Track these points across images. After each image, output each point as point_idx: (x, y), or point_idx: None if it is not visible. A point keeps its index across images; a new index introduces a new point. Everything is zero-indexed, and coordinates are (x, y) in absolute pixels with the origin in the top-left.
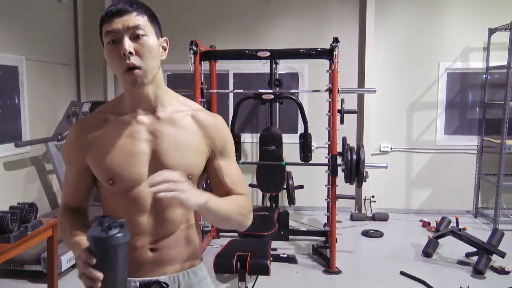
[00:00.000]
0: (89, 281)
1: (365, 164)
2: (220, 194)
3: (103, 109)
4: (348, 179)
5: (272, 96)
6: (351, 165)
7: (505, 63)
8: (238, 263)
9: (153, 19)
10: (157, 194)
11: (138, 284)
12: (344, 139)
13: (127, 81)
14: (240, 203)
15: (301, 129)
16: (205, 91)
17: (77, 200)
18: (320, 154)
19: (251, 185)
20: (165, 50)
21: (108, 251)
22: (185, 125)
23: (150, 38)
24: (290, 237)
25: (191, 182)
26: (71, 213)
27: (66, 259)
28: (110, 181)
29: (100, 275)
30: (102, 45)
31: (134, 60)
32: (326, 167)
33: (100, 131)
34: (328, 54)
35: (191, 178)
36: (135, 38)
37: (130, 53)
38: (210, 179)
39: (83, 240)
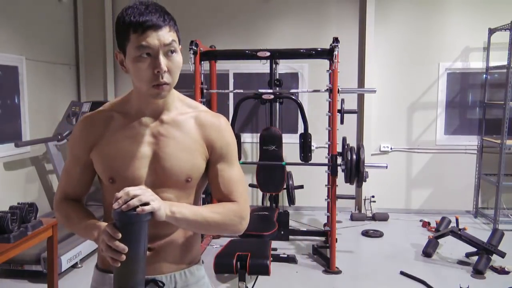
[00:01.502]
0: (114, 254)
1: (365, 164)
2: (216, 197)
3: (110, 107)
4: (348, 179)
5: (272, 96)
6: (351, 165)
7: (505, 63)
8: (238, 263)
9: (178, 30)
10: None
11: None
12: (344, 139)
13: (151, 94)
14: (225, 212)
15: (301, 129)
16: (205, 91)
17: (77, 192)
18: (320, 154)
19: (251, 185)
20: None
21: (133, 226)
22: (187, 127)
23: (179, 53)
24: (290, 237)
25: (191, 185)
26: (72, 202)
27: (66, 259)
28: (111, 180)
29: (125, 247)
30: (119, 47)
31: (166, 78)
32: (326, 167)
33: (105, 129)
34: (328, 54)
35: (190, 181)
36: (168, 54)
37: (165, 71)
38: (208, 181)
39: (99, 222)
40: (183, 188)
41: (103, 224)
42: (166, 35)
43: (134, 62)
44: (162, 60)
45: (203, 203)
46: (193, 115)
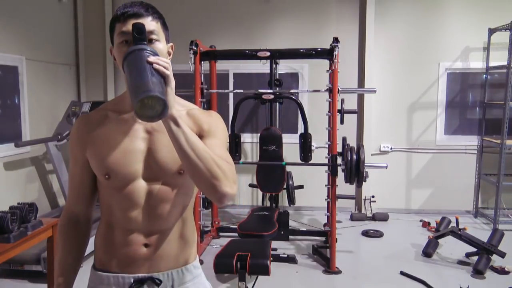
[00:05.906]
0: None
1: (365, 164)
2: None
3: (106, 106)
4: (348, 179)
5: (272, 96)
6: (351, 165)
7: (505, 63)
8: (238, 263)
9: (165, 25)
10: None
11: (132, 280)
12: (344, 139)
13: None
14: (218, 161)
15: (301, 129)
16: (205, 91)
17: (81, 202)
18: (320, 154)
19: (251, 185)
20: (169, 55)
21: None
22: None
23: (161, 43)
24: (290, 237)
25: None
26: (70, 233)
27: None
28: (106, 176)
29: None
30: (111, 43)
31: None
32: (326, 167)
33: (101, 127)
34: (328, 54)
35: (183, 173)
36: (148, 42)
37: None
38: None
39: (66, 282)
40: (177, 180)
41: (67, 285)
42: (147, 23)
43: (116, 50)
44: None
45: (203, 204)
46: (184, 111)
